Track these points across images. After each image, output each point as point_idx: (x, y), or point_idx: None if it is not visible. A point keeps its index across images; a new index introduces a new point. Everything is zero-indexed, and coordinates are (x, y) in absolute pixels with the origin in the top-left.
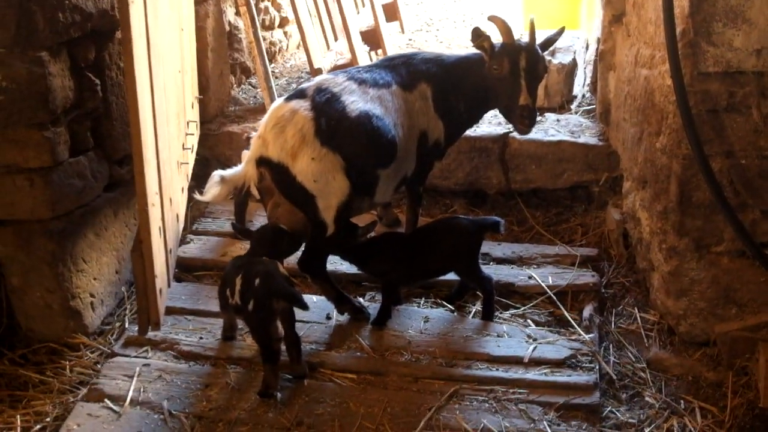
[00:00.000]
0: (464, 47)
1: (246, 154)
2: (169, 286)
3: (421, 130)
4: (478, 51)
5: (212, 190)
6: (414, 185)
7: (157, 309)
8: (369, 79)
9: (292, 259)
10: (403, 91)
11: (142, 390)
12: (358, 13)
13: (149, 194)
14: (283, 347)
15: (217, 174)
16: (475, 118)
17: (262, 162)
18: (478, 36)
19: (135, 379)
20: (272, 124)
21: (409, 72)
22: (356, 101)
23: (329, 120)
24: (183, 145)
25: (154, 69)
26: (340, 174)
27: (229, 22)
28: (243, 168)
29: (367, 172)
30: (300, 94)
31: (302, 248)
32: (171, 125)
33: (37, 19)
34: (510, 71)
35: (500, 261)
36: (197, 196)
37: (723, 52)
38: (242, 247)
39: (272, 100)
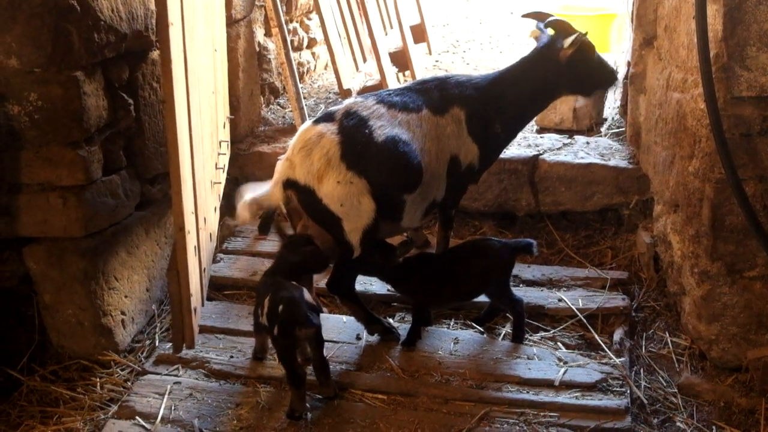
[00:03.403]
0: (491, 69)
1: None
2: (202, 304)
3: (451, 155)
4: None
5: (242, 213)
6: (446, 208)
7: (191, 328)
8: (399, 103)
9: (321, 279)
10: (433, 115)
11: (173, 408)
12: (387, 34)
13: (186, 214)
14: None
15: (247, 196)
16: (514, 134)
17: (288, 184)
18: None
19: (166, 396)
20: (299, 147)
21: (442, 95)
22: (384, 126)
23: (356, 144)
24: (216, 164)
25: (190, 90)
26: (366, 198)
27: (259, 43)
28: (270, 190)
29: (392, 197)
30: (328, 117)
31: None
32: (205, 145)
33: (73, 40)
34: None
35: (530, 283)
36: (229, 221)
37: (757, 76)
38: None
39: (303, 120)
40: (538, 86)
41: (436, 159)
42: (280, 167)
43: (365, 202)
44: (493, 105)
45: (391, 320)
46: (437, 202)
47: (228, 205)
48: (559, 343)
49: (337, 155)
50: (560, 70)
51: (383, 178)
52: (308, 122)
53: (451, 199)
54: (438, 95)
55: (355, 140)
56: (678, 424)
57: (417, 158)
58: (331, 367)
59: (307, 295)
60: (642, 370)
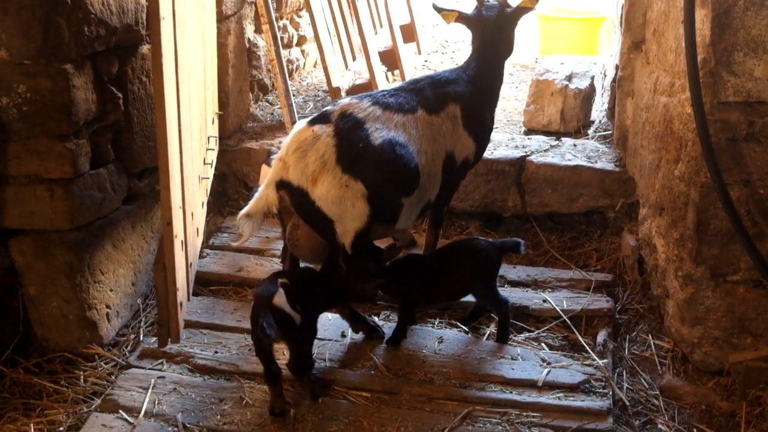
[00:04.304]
0: None
1: (265, 169)
2: (188, 299)
3: (447, 153)
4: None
5: (245, 229)
6: (439, 206)
7: (177, 322)
8: (394, 105)
9: None
10: (428, 114)
11: (156, 402)
12: (376, 33)
13: (173, 209)
14: None
15: (241, 214)
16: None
17: (282, 185)
18: None
19: (150, 391)
20: (294, 148)
21: (436, 94)
22: (380, 128)
23: (352, 147)
24: (204, 160)
25: (180, 85)
26: (360, 201)
27: (249, 40)
28: (263, 191)
29: (390, 201)
30: (323, 119)
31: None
32: (194, 140)
33: (63, 32)
34: None
35: (515, 284)
36: (235, 245)
37: (743, 81)
38: (257, 263)
39: (292, 117)
40: (502, 61)
41: (432, 159)
42: (272, 167)
43: (359, 206)
44: (485, 95)
45: (376, 319)
46: (432, 203)
47: (215, 201)
48: (542, 344)
49: (332, 158)
50: (510, 35)
51: (380, 182)
52: (303, 123)
53: (445, 197)
54: (432, 94)
55: (351, 143)
56: (659, 426)
57: (414, 161)
58: (315, 363)
59: (279, 299)
60: (624, 372)
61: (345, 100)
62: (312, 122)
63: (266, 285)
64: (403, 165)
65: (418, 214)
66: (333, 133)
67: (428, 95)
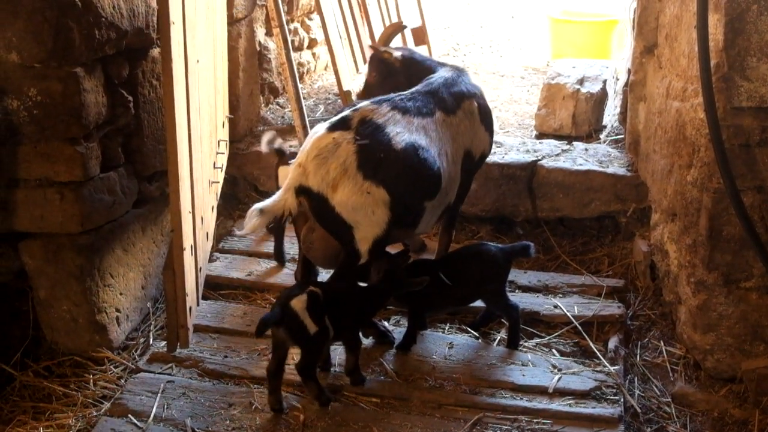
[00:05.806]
0: (491, 72)
1: (283, 170)
2: (197, 304)
3: (465, 151)
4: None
5: (251, 222)
6: (455, 207)
7: (186, 327)
8: (412, 108)
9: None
10: (447, 115)
11: (165, 407)
12: None
13: (183, 213)
14: None
15: (256, 207)
16: None
17: (301, 191)
18: None
19: (159, 395)
20: (314, 154)
21: (452, 93)
22: (401, 132)
23: (374, 153)
24: (214, 164)
25: (190, 89)
26: (381, 208)
27: (259, 43)
28: (281, 196)
29: (413, 205)
30: (343, 125)
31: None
32: (204, 144)
33: (74, 36)
34: None
35: (526, 289)
36: (238, 232)
37: (757, 87)
38: (268, 267)
39: (303, 120)
40: None
41: (452, 161)
42: (291, 172)
43: (380, 213)
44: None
45: (386, 323)
46: (451, 205)
47: (225, 205)
48: (553, 350)
49: (353, 165)
50: None
51: (403, 187)
52: (322, 128)
53: (461, 196)
54: (447, 94)
55: (372, 149)
56: None
57: (437, 163)
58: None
59: (297, 302)
60: (636, 379)
61: (364, 104)
62: (332, 128)
63: (294, 287)
64: (426, 168)
65: (437, 217)
66: (353, 140)
67: (444, 96)
